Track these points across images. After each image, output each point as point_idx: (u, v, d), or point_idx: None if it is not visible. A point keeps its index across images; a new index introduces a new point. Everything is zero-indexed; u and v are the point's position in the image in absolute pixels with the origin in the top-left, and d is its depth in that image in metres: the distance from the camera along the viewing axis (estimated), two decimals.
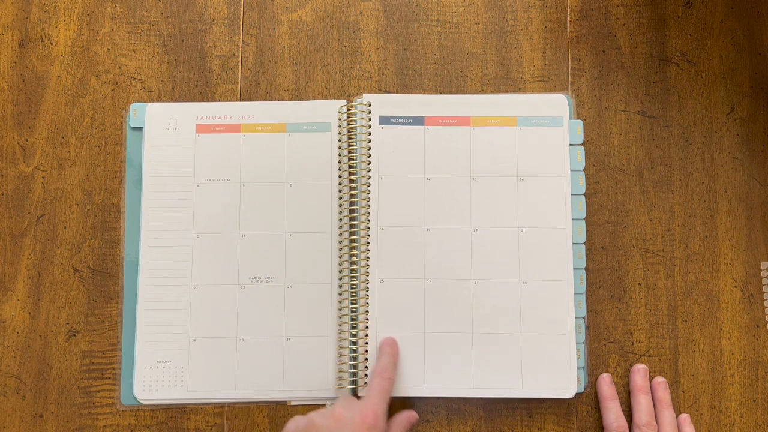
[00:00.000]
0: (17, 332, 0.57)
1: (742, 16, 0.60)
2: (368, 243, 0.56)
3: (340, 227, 0.57)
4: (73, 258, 0.58)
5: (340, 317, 0.56)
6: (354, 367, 0.55)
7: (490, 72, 0.60)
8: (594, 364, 0.57)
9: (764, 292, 0.57)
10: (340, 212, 0.57)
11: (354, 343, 0.55)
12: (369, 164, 0.57)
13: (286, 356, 0.56)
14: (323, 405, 0.56)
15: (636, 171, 0.59)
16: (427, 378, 0.55)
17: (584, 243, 0.57)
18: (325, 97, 0.59)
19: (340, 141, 0.58)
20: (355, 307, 0.56)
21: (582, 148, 0.58)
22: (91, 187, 0.59)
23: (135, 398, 0.56)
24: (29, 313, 0.57)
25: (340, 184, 0.57)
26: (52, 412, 0.56)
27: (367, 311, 0.56)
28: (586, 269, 0.57)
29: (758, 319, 0.57)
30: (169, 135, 0.58)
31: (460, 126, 0.58)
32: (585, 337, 0.56)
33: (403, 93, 0.59)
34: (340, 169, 0.57)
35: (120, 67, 0.60)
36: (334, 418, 0.48)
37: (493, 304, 0.56)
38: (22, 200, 0.58)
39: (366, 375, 0.55)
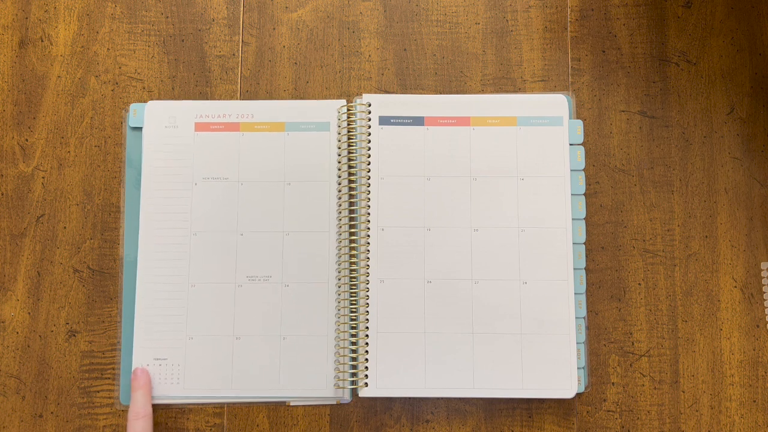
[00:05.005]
0: (17, 332, 0.57)
1: (742, 16, 0.60)
2: (368, 243, 0.56)
3: (340, 227, 0.57)
4: (72, 258, 0.58)
5: (340, 317, 0.56)
6: (354, 367, 0.55)
7: (490, 72, 0.60)
8: (594, 364, 0.57)
9: (764, 292, 0.57)
10: (339, 212, 0.57)
11: (353, 343, 0.55)
12: (369, 164, 0.57)
13: (283, 355, 0.56)
14: (322, 405, 0.56)
15: (636, 171, 0.59)
16: (427, 378, 0.55)
17: (584, 243, 0.57)
18: (325, 97, 0.59)
19: (339, 141, 0.58)
20: (355, 307, 0.56)
21: (582, 148, 0.58)
22: (91, 187, 0.59)
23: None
24: (29, 313, 0.57)
25: (339, 183, 0.57)
26: (51, 412, 0.56)
27: (367, 311, 0.56)
28: (586, 269, 0.57)
29: (758, 319, 0.57)
30: (168, 133, 0.58)
31: (459, 126, 0.58)
32: (585, 337, 0.56)
33: (403, 93, 0.60)
34: (339, 169, 0.57)
35: (120, 67, 0.60)
36: None
37: (493, 304, 0.56)
38: (22, 200, 0.58)
39: (366, 375, 0.55)
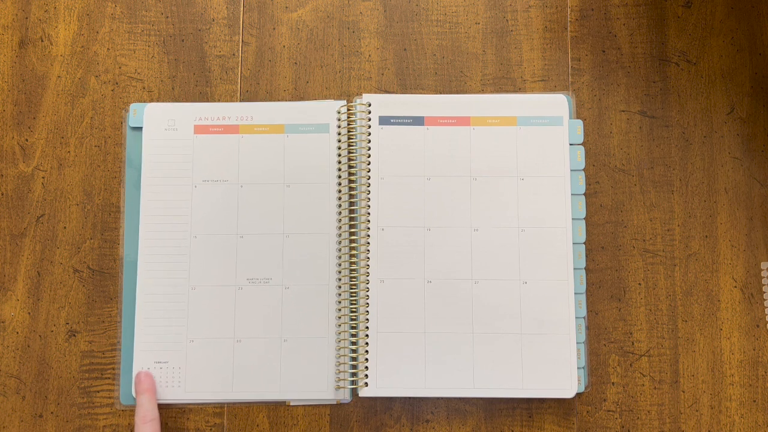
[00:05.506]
0: (17, 332, 0.57)
1: (742, 16, 0.60)
2: (368, 243, 0.56)
3: (340, 228, 0.57)
4: (72, 258, 0.58)
5: (340, 317, 0.56)
6: (354, 367, 0.55)
7: (490, 72, 0.60)
8: (594, 364, 0.57)
9: (764, 292, 0.57)
10: (340, 213, 0.57)
11: (354, 344, 0.55)
12: (369, 164, 0.57)
13: (284, 358, 0.56)
14: (322, 405, 0.56)
15: (636, 171, 0.59)
16: (427, 378, 0.55)
17: (584, 243, 0.57)
18: (325, 97, 0.59)
19: (339, 141, 0.58)
20: (355, 308, 0.56)
21: (582, 147, 0.58)
22: (91, 187, 0.59)
23: (134, 398, 0.56)
24: (29, 313, 0.57)
25: (339, 184, 0.57)
26: (51, 412, 0.56)
27: (367, 311, 0.56)
28: (586, 269, 0.57)
29: (758, 319, 0.57)
30: (167, 136, 0.58)
31: (459, 126, 0.58)
32: (585, 337, 0.56)
33: (403, 93, 0.59)
34: (339, 170, 0.57)
35: (120, 67, 0.60)
36: None
37: (493, 304, 0.56)
38: (22, 200, 0.58)
39: (366, 375, 0.55)
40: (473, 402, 0.57)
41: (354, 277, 0.56)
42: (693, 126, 0.59)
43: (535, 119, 0.58)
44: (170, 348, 0.56)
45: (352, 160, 0.57)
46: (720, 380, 0.57)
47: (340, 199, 0.57)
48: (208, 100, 0.59)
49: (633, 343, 0.57)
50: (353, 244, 0.57)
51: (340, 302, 0.56)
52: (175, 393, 0.56)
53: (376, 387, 0.55)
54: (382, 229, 0.57)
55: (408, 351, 0.55)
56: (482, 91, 0.59)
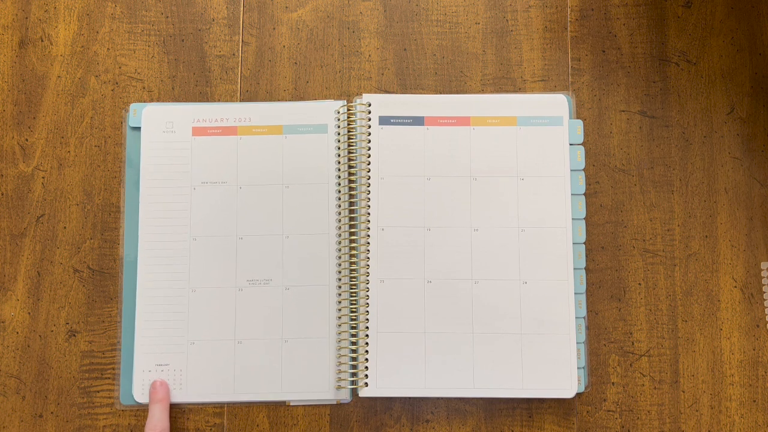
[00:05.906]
0: (17, 332, 0.57)
1: (742, 16, 0.60)
2: (368, 243, 0.56)
3: (339, 228, 0.57)
4: (72, 258, 0.58)
5: (340, 317, 0.56)
6: (354, 367, 0.55)
7: (490, 72, 0.60)
8: (594, 364, 0.57)
9: (764, 292, 0.57)
10: (339, 213, 0.57)
11: (354, 344, 0.55)
12: (369, 164, 0.57)
13: (285, 358, 0.56)
14: (322, 405, 0.56)
15: (636, 171, 0.59)
16: (427, 378, 0.55)
17: (584, 243, 0.57)
18: (325, 97, 0.59)
19: (339, 141, 0.58)
20: (355, 308, 0.56)
21: (582, 147, 0.58)
22: (91, 187, 0.59)
23: (134, 398, 0.56)
24: (29, 313, 0.57)
25: (338, 185, 0.57)
26: (51, 412, 0.56)
27: (368, 311, 0.56)
28: (586, 269, 0.57)
29: (758, 319, 0.57)
30: (165, 138, 0.58)
31: (459, 126, 0.58)
32: (585, 337, 0.56)
33: (403, 93, 0.59)
34: (339, 170, 0.57)
35: (120, 67, 0.60)
36: None
37: (493, 304, 0.56)
38: (22, 200, 0.58)
39: (366, 375, 0.55)
40: (473, 402, 0.57)
41: (354, 277, 0.56)
42: (693, 126, 0.59)
43: (535, 119, 0.58)
44: (171, 351, 0.56)
45: (352, 160, 0.57)
46: (720, 380, 0.57)
47: (339, 199, 0.57)
48: (208, 100, 0.59)
49: (633, 343, 0.57)
50: (353, 244, 0.57)
51: (340, 302, 0.56)
52: (176, 395, 0.55)
53: (376, 387, 0.55)
54: (382, 229, 0.57)
55: (408, 351, 0.55)
56: (482, 91, 0.59)
